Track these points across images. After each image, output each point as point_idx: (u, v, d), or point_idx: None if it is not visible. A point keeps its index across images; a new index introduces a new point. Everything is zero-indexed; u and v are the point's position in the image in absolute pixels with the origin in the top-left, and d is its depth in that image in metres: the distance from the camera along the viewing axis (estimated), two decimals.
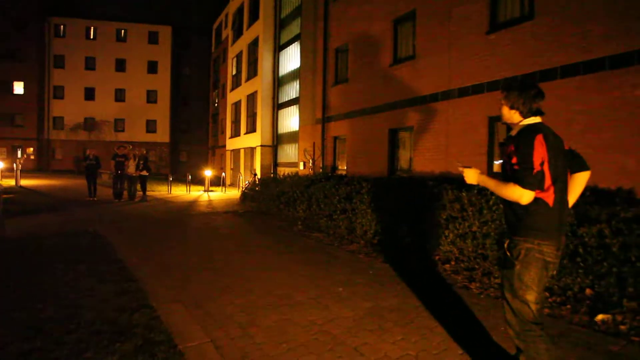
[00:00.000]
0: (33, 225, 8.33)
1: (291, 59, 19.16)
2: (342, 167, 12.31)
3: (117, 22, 38.87)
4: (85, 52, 38.02)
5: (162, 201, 14.03)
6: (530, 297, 2.17)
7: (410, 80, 9.48)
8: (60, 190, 17.02)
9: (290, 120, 19.25)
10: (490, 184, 2.27)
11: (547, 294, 4.26)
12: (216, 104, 34.28)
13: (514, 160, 2.15)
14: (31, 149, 36.29)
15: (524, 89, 2.26)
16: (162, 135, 40.40)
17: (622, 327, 3.54)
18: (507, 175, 2.20)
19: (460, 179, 6.96)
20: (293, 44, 18.87)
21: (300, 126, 15.76)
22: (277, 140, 20.78)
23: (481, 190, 5.27)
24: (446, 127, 8.43)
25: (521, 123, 2.28)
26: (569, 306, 4.01)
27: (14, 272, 4.82)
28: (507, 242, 2.27)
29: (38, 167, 35.60)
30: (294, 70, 18.61)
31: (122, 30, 39.00)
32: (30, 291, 4.10)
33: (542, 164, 2.09)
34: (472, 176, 2.35)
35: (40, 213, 10.27)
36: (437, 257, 5.61)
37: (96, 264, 5.20)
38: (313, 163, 13.85)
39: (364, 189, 7.15)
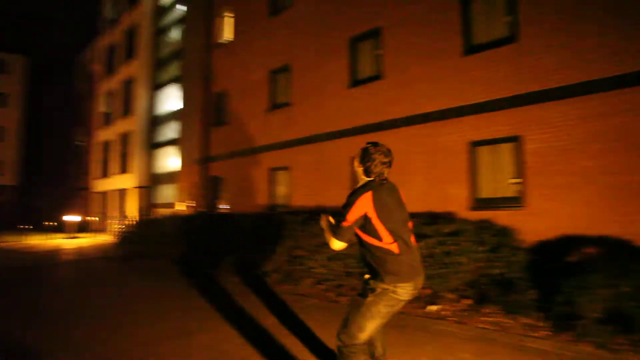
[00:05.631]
0: None
1: (169, 99, 19.13)
2: (225, 205, 12.68)
3: None
4: None
5: (17, 252, 12.40)
6: (371, 325, 2.41)
7: (286, 124, 10.58)
8: None
9: (168, 160, 18.91)
10: (326, 228, 2.60)
11: None
12: (82, 143, 31.37)
13: (341, 209, 2.48)
14: None
15: (374, 152, 2.56)
16: (10, 177, 35.02)
17: (444, 312, 4.76)
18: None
19: (330, 210, 7.96)
20: (172, 85, 18.93)
21: (181, 166, 15.69)
22: (154, 180, 20.08)
23: None
24: (318, 167, 9.62)
25: (364, 178, 2.58)
26: (411, 301, 5.15)
27: None
28: (367, 276, 2.51)
29: None
30: (172, 110, 18.59)
31: None
32: None
33: (358, 220, 2.40)
34: (322, 222, 2.68)
35: None
36: (310, 280, 6.41)
37: None
38: (195, 203, 13.90)
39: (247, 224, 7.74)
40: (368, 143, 2.64)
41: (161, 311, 5.20)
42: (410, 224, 2.56)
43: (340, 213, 2.47)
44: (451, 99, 7.28)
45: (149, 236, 10.71)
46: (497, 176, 6.79)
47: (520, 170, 6.41)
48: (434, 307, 4.88)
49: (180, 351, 3.73)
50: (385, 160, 2.55)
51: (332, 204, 8.97)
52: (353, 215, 2.40)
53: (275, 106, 11.12)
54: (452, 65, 7.34)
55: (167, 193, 18.74)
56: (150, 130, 20.44)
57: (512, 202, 6.45)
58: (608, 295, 3.70)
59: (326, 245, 6.12)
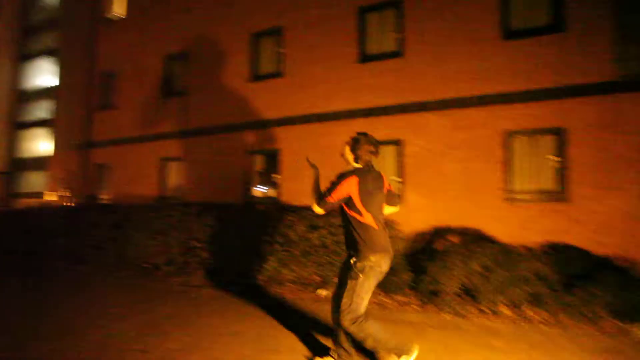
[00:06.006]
0: None
1: (41, 73, 16.83)
2: (108, 196, 11.71)
3: None
4: None
5: None
6: (367, 298, 2.85)
7: (181, 113, 10.21)
8: None
9: (36, 143, 16.67)
10: (314, 184, 3.02)
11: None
12: None
13: (329, 184, 2.90)
14: None
15: (364, 142, 2.98)
16: None
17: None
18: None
19: (223, 203, 8.04)
20: (46, 57, 16.67)
21: (55, 151, 13.98)
22: (16, 166, 17.49)
23: (238, 211, 6.46)
24: (213, 159, 9.51)
25: (354, 164, 3.01)
26: (300, 287, 5.53)
27: None
28: (353, 259, 2.85)
29: None
30: (45, 86, 16.41)
31: None
32: None
33: (341, 199, 2.85)
34: (313, 172, 3.10)
35: None
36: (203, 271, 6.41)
37: None
38: (70, 192, 12.57)
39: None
40: (358, 133, 3.04)
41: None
42: (383, 207, 3.02)
43: (327, 188, 2.89)
44: (345, 102, 7.88)
45: (9, 230, 9.39)
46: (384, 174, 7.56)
47: (401, 170, 7.26)
48: (323, 292, 5.32)
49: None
50: (373, 149, 3.00)
51: (227, 198, 8.99)
52: (337, 194, 2.85)
53: (170, 93, 10.64)
54: (348, 71, 7.95)
55: (36, 180, 16.48)
56: (14, 107, 17.73)
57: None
58: (462, 273, 4.52)
59: (219, 236, 6.23)
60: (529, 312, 4.30)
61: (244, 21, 9.40)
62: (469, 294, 4.55)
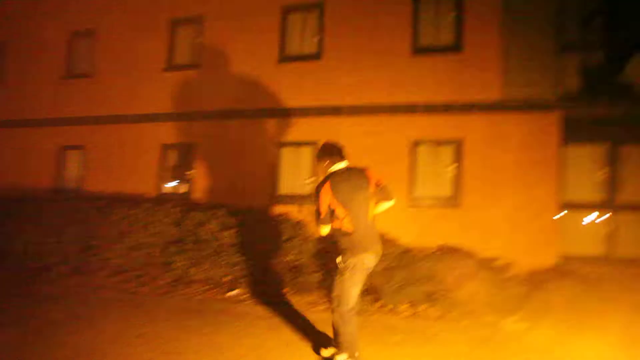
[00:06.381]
0: None
1: None
2: None
3: None
4: None
5: None
6: (355, 291, 3.05)
7: (86, 98, 9.31)
8: None
9: None
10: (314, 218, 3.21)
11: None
12: None
13: (315, 203, 3.11)
14: None
15: (324, 148, 3.28)
16: None
17: (243, 297, 5.26)
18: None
19: (131, 198, 7.62)
20: None
21: None
22: None
23: (147, 208, 6.19)
24: (120, 150, 8.86)
25: (331, 170, 3.17)
26: (211, 287, 5.47)
27: None
28: (340, 257, 3.10)
29: None
30: None
31: None
32: None
33: (329, 207, 3.03)
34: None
35: None
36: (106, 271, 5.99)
37: None
38: None
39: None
40: (324, 143, 3.34)
41: None
42: (369, 205, 3.11)
43: (316, 207, 3.09)
44: (264, 101, 7.85)
45: None
46: (299, 175, 7.69)
47: (314, 171, 7.44)
48: (233, 292, 5.32)
49: None
50: (335, 147, 3.25)
51: (135, 191, 8.43)
52: (323, 207, 3.05)
53: (73, 75, 9.65)
54: (268, 69, 7.92)
55: None
56: None
57: (307, 199, 7.39)
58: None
59: (125, 234, 5.92)
60: (425, 309, 4.75)
61: (163, 6, 8.88)
62: (372, 293, 4.88)
